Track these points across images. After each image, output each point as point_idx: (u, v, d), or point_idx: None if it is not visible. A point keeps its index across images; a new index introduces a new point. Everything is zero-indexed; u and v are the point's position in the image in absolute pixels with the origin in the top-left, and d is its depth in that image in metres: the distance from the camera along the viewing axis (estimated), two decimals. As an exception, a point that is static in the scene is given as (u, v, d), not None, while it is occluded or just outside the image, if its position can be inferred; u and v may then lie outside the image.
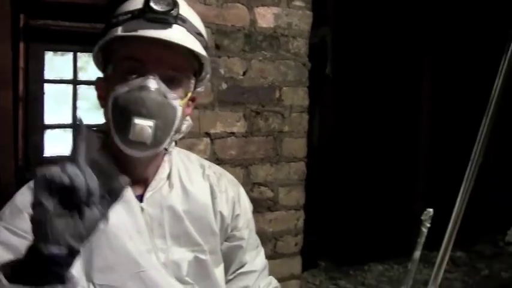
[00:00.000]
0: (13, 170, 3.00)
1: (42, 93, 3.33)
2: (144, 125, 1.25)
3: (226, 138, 3.03)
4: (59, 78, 3.55)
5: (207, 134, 2.96)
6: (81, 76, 3.61)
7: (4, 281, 1.01)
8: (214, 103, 2.96)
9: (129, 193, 1.37)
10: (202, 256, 1.44)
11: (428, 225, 1.44)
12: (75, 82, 3.51)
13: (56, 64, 3.66)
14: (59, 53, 3.63)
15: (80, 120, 1.05)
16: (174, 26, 1.30)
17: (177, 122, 1.34)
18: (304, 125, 3.28)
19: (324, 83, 5.52)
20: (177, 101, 1.32)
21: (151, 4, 1.27)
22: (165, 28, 1.29)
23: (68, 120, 3.49)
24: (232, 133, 3.05)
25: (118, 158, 1.34)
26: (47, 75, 3.38)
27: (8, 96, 2.95)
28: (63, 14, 3.22)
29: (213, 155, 2.96)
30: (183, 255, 1.42)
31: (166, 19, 1.28)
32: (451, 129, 6.13)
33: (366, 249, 5.62)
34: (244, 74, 3.05)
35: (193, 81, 1.40)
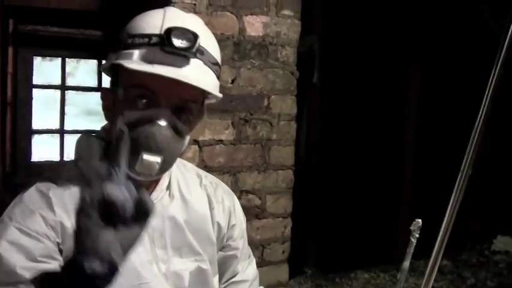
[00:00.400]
0: (1, 175, 2.99)
1: (31, 99, 3.32)
2: (152, 161, 1.24)
3: (214, 145, 3.03)
4: (47, 84, 3.54)
5: (196, 142, 2.96)
6: (70, 82, 3.61)
7: None
8: (203, 111, 2.96)
9: None
10: (204, 266, 1.45)
11: (417, 235, 1.44)
12: (63, 88, 3.51)
13: (45, 69, 3.66)
14: (48, 58, 3.62)
15: (122, 130, 1.04)
16: (192, 60, 1.25)
17: (182, 149, 1.33)
18: (292, 133, 3.29)
19: (311, 92, 5.54)
20: (186, 133, 1.30)
21: (172, 39, 1.22)
22: (182, 64, 1.24)
23: (56, 125, 3.48)
24: (221, 141, 3.05)
25: None
26: (35, 80, 3.37)
27: (-4, 101, 2.96)
28: (53, 20, 3.22)
29: (201, 162, 2.96)
30: (185, 266, 1.42)
31: (186, 55, 1.24)
32: (437, 137, 6.17)
33: (352, 257, 5.63)
34: (232, 82, 3.06)
35: (202, 109, 1.37)
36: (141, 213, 1.02)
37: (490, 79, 1.37)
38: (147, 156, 1.23)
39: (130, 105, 1.27)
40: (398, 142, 6.09)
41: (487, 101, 1.37)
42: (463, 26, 5.91)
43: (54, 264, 1.18)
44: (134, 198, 1.00)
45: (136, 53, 1.26)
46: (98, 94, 3.56)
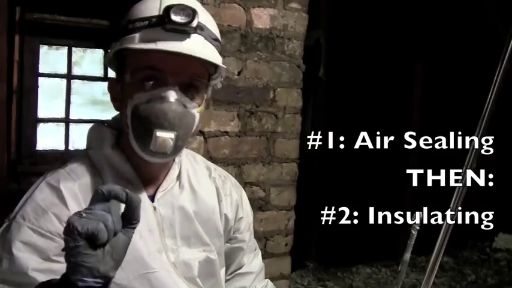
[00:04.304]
0: (6, 163, 3.00)
1: (36, 87, 3.32)
2: (166, 137, 1.26)
3: (219, 137, 3.04)
4: (53, 73, 3.53)
5: (201, 133, 2.97)
6: (76, 71, 3.60)
7: None
8: (208, 102, 2.96)
9: (141, 192, 1.38)
10: (212, 256, 1.46)
11: (418, 227, 1.45)
12: (69, 77, 3.51)
13: (51, 58, 3.65)
14: (54, 47, 3.62)
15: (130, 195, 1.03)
16: (193, 35, 1.28)
17: (194, 128, 1.35)
18: (297, 126, 3.29)
19: (316, 86, 5.53)
20: (196, 109, 1.33)
21: (172, 16, 1.24)
22: (184, 39, 1.27)
23: (61, 114, 3.48)
24: (226, 132, 3.06)
25: (131, 157, 1.36)
26: (41, 69, 3.37)
27: (2, 89, 2.96)
28: (60, 8, 3.21)
29: (206, 153, 2.97)
30: (193, 256, 1.43)
31: (186, 30, 1.26)
32: (441, 132, 6.15)
33: (354, 251, 5.64)
34: (239, 74, 3.06)
35: (209, 86, 1.40)
36: (129, 221, 1.03)
37: (496, 75, 1.37)
38: (160, 133, 1.25)
39: (139, 88, 1.29)
40: (403, 135, 6.08)
41: (492, 99, 1.37)
42: (468, 23, 5.90)
43: None
44: (119, 216, 1.01)
45: (138, 35, 1.28)
46: (103, 84, 3.56)
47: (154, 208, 1.39)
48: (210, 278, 1.47)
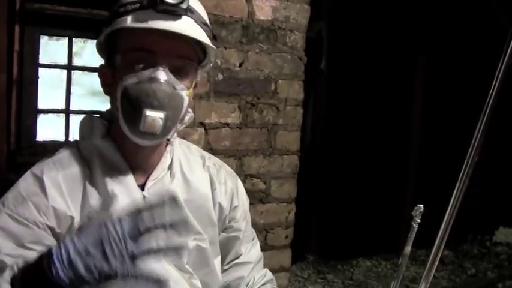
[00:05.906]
0: (5, 154, 2.99)
1: (37, 78, 3.30)
2: (155, 116, 1.27)
3: (220, 128, 3.03)
4: (53, 63, 3.51)
5: (202, 124, 2.96)
6: (76, 62, 3.58)
7: None
8: (209, 93, 2.96)
9: (131, 181, 1.39)
10: (203, 244, 1.46)
11: (419, 220, 1.45)
12: (69, 67, 3.49)
13: (51, 49, 3.63)
14: (54, 37, 3.59)
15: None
16: (183, 17, 1.31)
17: (183, 111, 1.36)
18: (298, 118, 3.29)
19: (318, 78, 5.52)
20: (185, 91, 1.34)
21: None
22: (175, 20, 1.29)
23: (61, 105, 3.47)
24: (227, 124, 3.05)
25: (121, 146, 1.38)
26: (42, 59, 3.35)
27: (2, 80, 2.94)
28: (60, -2, 3.20)
29: (207, 145, 2.96)
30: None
31: (177, 11, 1.29)
32: (442, 127, 6.15)
33: (354, 244, 5.64)
34: (240, 65, 3.05)
35: (198, 70, 1.42)
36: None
37: (497, 70, 1.36)
38: (149, 112, 1.27)
39: (129, 70, 1.31)
40: (404, 130, 6.08)
41: (494, 93, 1.36)
42: (471, 18, 5.88)
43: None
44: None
45: (130, 17, 1.31)
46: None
47: (144, 197, 1.39)
48: (202, 266, 1.47)
